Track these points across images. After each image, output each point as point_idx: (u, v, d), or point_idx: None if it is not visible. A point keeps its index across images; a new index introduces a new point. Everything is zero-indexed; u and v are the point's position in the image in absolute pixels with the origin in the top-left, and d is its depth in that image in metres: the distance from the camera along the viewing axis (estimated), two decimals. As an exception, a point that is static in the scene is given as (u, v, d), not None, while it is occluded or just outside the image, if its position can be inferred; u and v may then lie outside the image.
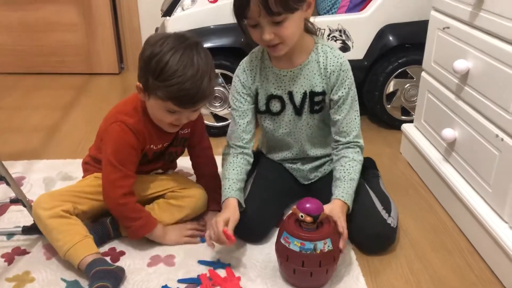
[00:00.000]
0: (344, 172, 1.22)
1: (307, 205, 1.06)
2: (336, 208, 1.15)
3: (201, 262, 1.18)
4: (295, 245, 1.05)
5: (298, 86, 1.23)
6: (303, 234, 1.05)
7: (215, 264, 1.17)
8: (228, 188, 1.22)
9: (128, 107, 1.21)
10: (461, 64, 1.27)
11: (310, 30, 1.24)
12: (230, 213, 1.17)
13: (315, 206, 1.06)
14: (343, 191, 1.19)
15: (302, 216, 1.05)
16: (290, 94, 1.25)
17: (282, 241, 1.08)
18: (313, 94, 1.24)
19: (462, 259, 1.21)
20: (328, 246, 1.06)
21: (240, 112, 1.27)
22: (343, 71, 1.21)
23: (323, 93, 1.23)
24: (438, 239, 1.29)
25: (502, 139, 1.13)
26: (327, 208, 1.13)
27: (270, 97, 1.26)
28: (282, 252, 1.08)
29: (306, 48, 1.22)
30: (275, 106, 1.27)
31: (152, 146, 1.23)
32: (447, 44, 1.39)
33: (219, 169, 1.38)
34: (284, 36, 1.11)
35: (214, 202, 1.30)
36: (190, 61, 1.07)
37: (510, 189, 1.11)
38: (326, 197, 1.19)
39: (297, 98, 1.25)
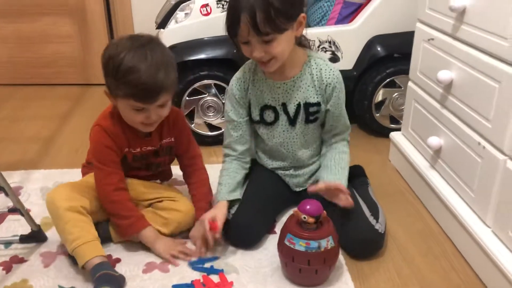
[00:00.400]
0: (334, 162, 1.31)
1: (308, 207, 1.11)
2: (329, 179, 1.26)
3: (195, 268, 1.21)
4: (300, 245, 1.10)
5: (292, 98, 1.28)
6: (307, 234, 1.11)
7: (208, 270, 1.20)
8: (219, 192, 1.29)
9: (106, 111, 1.27)
10: (444, 75, 1.32)
11: (303, 43, 1.28)
12: (217, 211, 1.24)
13: (316, 207, 1.12)
14: (334, 177, 1.28)
15: (305, 218, 1.11)
16: (284, 105, 1.29)
17: (287, 243, 1.13)
18: (308, 105, 1.28)
19: (448, 263, 1.25)
20: (331, 243, 1.12)
21: (234, 125, 1.32)
22: (338, 83, 1.27)
23: (318, 104, 1.28)
24: (425, 244, 1.33)
25: (483, 147, 1.18)
26: (322, 183, 1.23)
27: (264, 108, 1.30)
28: (287, 253, 1.13)
29: (298, 61, 1.26)
30: (269, 116, 1.31)
31: (130, 149, 1.27)
32: (432, 55, 1.44)
33: (211, 177, 1.40)
34: (274, 54, 1.15)
35: (202, 211, 1.29)
36: (144, 56, 1.11)
37: (492, 195, 1.16)
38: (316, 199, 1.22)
39: (291, 109, 1.29)
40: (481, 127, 1.19)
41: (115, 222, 1.25)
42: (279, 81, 1.27)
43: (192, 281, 1.16)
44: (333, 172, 1.29)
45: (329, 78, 1.25)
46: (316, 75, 1.26)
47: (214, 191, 1.39)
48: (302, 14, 1.17)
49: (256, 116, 1.32)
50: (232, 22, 1.12)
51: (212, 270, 1.20)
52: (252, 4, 1.08)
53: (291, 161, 1.39)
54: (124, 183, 1.26)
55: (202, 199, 1.34)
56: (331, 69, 1.26)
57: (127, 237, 1.25)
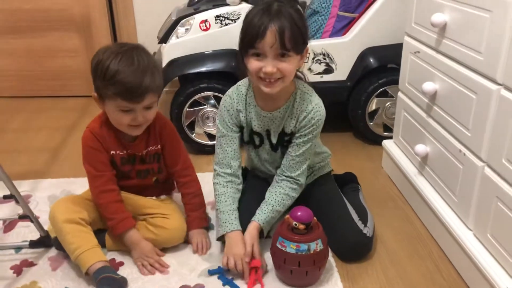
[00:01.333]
0: (274, 202, 1.31)
1: (299, 214, 1.19)
2: (251, 232, 1.26)
3: (211, 272, 1.27)
4: (291, 248, 1.18)
5: (275, 126, 1.33)
6: (297, 237, 1.18)
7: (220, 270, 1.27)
8: (225, 222, 1.28)
9: (97, 115, 1.34)
10: (429, 86, 1.39)
11: (296, 74, 1.29)
12: (242, 246, 1.24)
13: (307, 214, 1.19)
14: (266, 217, 1.29)
15: (296, 225, 1.18)
16: (268, 132, 1.35)
17: (279, 246, 1.20)
18: (283, 134, 1.33)
19: (433, 265, 1.32)
20: (320, 246, 1.19)
21: (228, 139, 1.33)
22: (313, 119, 1.28)
23: (292, 133, 1.33)
24: (412, 247, 1.39)
25: (464, 154, 1.25)
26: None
27: (252, 132, 1.36)
28: (280, 256, 1.21)
29: (288, 92, 1.29)
30: (256, 139, 1.37)
31: (117, 151, 1.32)
32: (418, 67, 1.51)
33: (209, 185, 1.44)
34: (285, 71, 1.18)
35: (197, 220, 1.39)
36: (131, 59, 1.19)
37: (472, 200, 1.22)
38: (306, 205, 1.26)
39: (274, 137, 1.35)
40: (462, 135, 1.26)
41: (106, 222, 1.32)
42: (266, 111, 1.31)
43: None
44: (265, 212, 1.29)
45: (306, 112, 1.28)
46: (297, 108, 1.29)
47: (209, 198, 1.46)
48: (307, 46, 1.23)
49: (246, 137, 1.38)
50: (258, 31, 1.14)
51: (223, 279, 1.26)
52: (283, 21, 1.14)
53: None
54: (112, 184, 1.31)
55: (197, 209, 1.40)
56: (312, 106, 1.28)
57: (115, 235, 1.31)
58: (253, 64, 1.19)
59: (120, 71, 1.17)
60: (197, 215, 1.40)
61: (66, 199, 1.34)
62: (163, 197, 1.45)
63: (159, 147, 1.36)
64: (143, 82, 1.19)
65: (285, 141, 1.34)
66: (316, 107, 1.29)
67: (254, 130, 1.35)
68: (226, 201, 1.31)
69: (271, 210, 1.30)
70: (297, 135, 1.31)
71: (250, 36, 1.16)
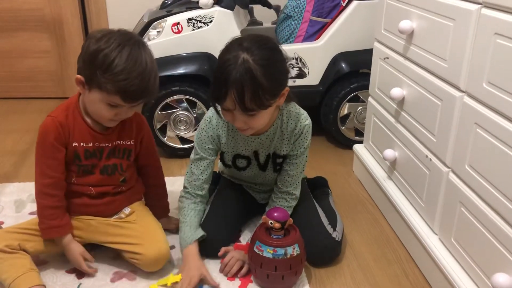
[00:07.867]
0: None
1: (275, 214, 1.20)
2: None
3: None
4: (268, 252, 1.18)
5: (264, 148, 1.33)
6: (274, 242, 1.19)
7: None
8: (187, 235, 1.27)
9: (61, 105, 1.24)
10: (397, 92, 1.41)
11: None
12: (197, 268, 1.22)
13: (282, 214, 1.20)
14: None
15: (271, 223, 1.19)
16: (256, 153, 1.34)
17: (256, 250, 1.20)
18: (275, 156, 1.34)
19: (400, 268, 1.33)
20: (297, 251, 1.20)
21: (206, 163, 1.31)
22: (304, 133, 1.30)
23: (285, 156, 1.33)
24: (380, 250, 1.41)
25: (430, 159, 1.27)
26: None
27: (237, 156, 1.35)
28: (256, 260, 1.21)
29: (272, 118, 1.27)
30: (241, 162, 1.37)
31: (82, 144, 1.22)
32: (387, 72, 1.53)
33: (176, 194, 1.44)
34: (254, 126, 1.18)
35: (163, 209, 1.45)
36: (139, 59, 1.11)
37: (438, 205, 1.24)
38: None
39: (262, 158, 1.35)
40: (428, 141, 1.28)
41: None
42: (254, 136, 1.29)
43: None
44: None
45: (296, 129, 1.29)
46: (286, 128, 1.29)
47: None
48: (287, 88, 1.18)
49: (228, 161, 1.37)
50: (218, 93, 1.12)
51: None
52: (241, 82, 1.07)
53: (258, 185, 1.46)
54: (57, 189, 1.23)
55: (162, 198, 1.45)
56: (299, 121, 1.28)
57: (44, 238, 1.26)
58: (225, 116, 1.19)
59: (127, 71, 1.09)
60: (164, 204, 1.45)
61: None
62: (127, 210, 1.33)
63: (132, 142, 1.29)
64: (147, 87, 1.14)
65: (277, 163, 1.35)
66: (303, 121, 1.29)
67: (241, 155, 1.34)
68: (194, 216, 1.31)
69: None
70: (292, 153, 1.32)
71: (214, 97, 1.16)
